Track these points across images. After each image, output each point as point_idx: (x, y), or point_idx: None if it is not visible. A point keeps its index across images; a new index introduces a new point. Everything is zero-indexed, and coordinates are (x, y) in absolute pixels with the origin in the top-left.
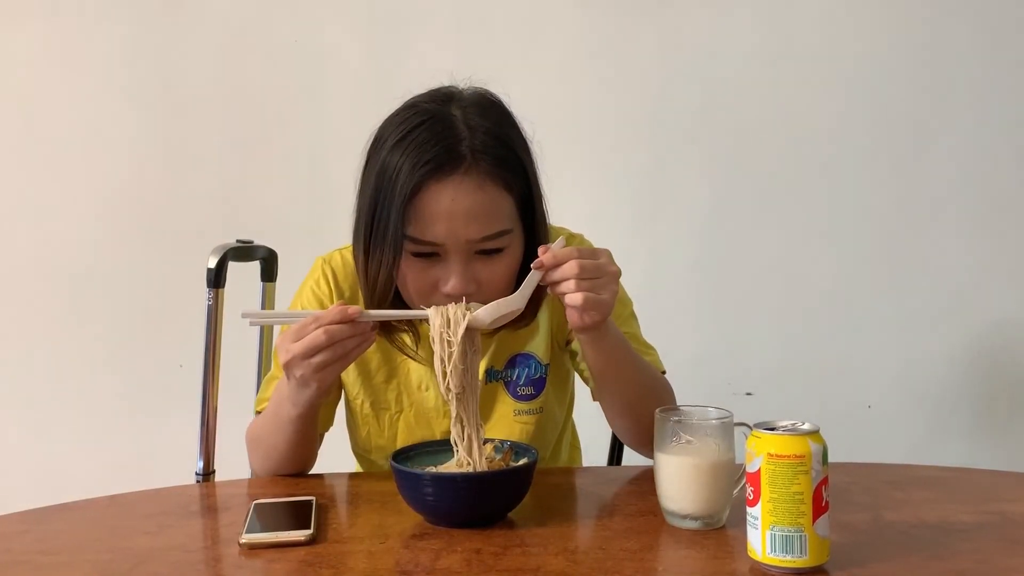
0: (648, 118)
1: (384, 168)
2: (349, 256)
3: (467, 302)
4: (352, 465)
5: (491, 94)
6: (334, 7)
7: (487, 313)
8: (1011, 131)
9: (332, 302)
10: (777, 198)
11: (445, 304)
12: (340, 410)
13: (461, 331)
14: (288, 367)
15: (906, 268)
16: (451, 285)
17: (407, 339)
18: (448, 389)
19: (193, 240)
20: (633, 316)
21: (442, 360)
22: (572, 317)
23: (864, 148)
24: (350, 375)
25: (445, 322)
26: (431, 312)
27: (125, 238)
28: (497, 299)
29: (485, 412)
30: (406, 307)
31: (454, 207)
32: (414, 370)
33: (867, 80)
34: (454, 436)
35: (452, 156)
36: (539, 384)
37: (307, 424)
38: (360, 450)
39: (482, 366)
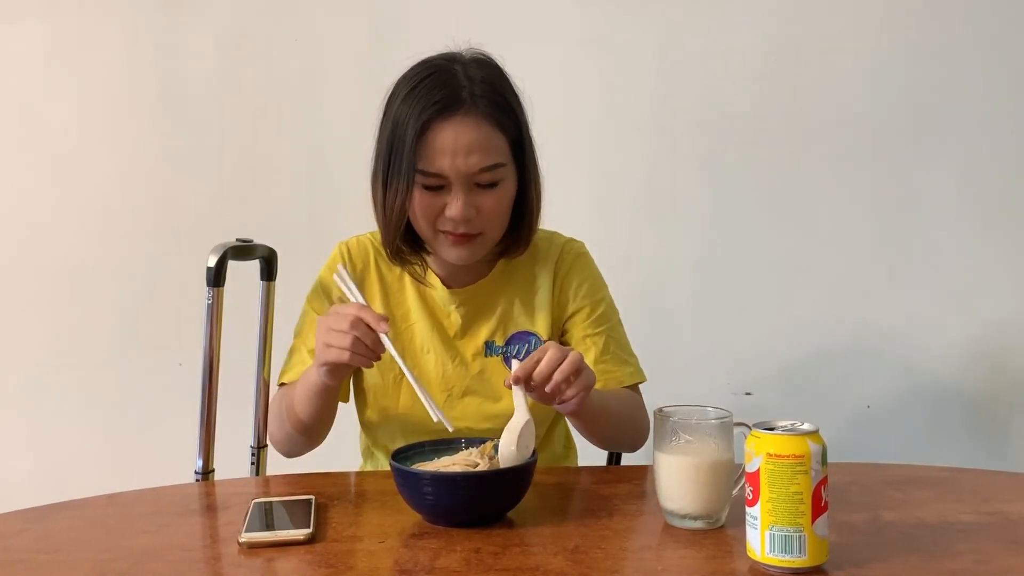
0: (648, 117)
1: (398, 114)
2: (364, 238)
3: (466, 228)
4: (354, 464)
5: (488, 55)
6: (334, 6)
7: (509, 439)
8: (1012, 131)
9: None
10: (777, 198)
11: (452, 229)
12: (342, 411)
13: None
14: (323, 327)
15: (906, 268)
16: (454, 211)
17: (418, 270)
18: None
19: (193, 239)
20: (619, 323)
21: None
22: (567, 407)
23: (864, 148)
24: None
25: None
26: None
27: (125, 236)
28: (487, 238)
29: (483, 385)
30: (416, 239)
31: (456, 143)
32: (418, 333)
33: (867, 79)
34: None
35: (454, 100)
36: None
37: (333, 394)
38: (366, 414)
39: (481, 338)
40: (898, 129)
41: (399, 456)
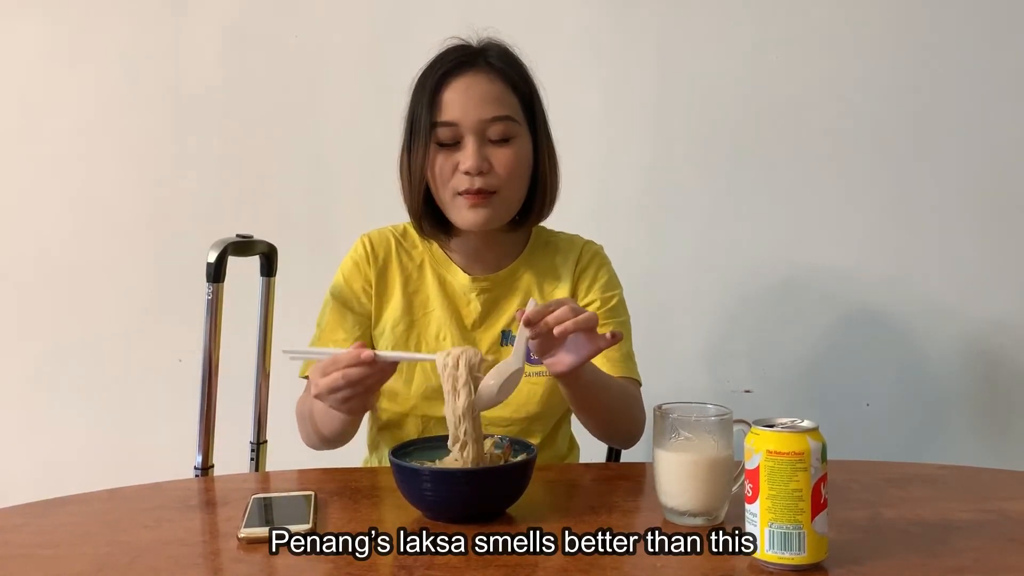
0: (649, 116)
1: (418, 84)
2: (386, 230)
3: (481, 184)
4: (357, 458)
5: (506, 42)
6: (335, 4)
7: (494, 379)
8: (1011, 131)
9: (368, 266)
10: (777, 196)
11: (467, 186)
12: None
13: (463, 375)
14: (318, 398)
15: (905, 267)
16: (467, 161)
17: (443, 242)
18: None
19: (193, 235)
20: (628, 324)
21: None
22: (557, 365)
23: (864, 147)
24: (375, 326)
25: (454, 363)
26: (438, 357)
27: (125, 232)
28: (503, 199)
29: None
30: (440, 215)
31: (468, 92)
32: (434, 321)
33: (867, 79)
34: (453, 448)
35: (470, 57)
36: None
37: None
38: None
39: (499, 328)
40: (897, 129)
41: (398, 452)
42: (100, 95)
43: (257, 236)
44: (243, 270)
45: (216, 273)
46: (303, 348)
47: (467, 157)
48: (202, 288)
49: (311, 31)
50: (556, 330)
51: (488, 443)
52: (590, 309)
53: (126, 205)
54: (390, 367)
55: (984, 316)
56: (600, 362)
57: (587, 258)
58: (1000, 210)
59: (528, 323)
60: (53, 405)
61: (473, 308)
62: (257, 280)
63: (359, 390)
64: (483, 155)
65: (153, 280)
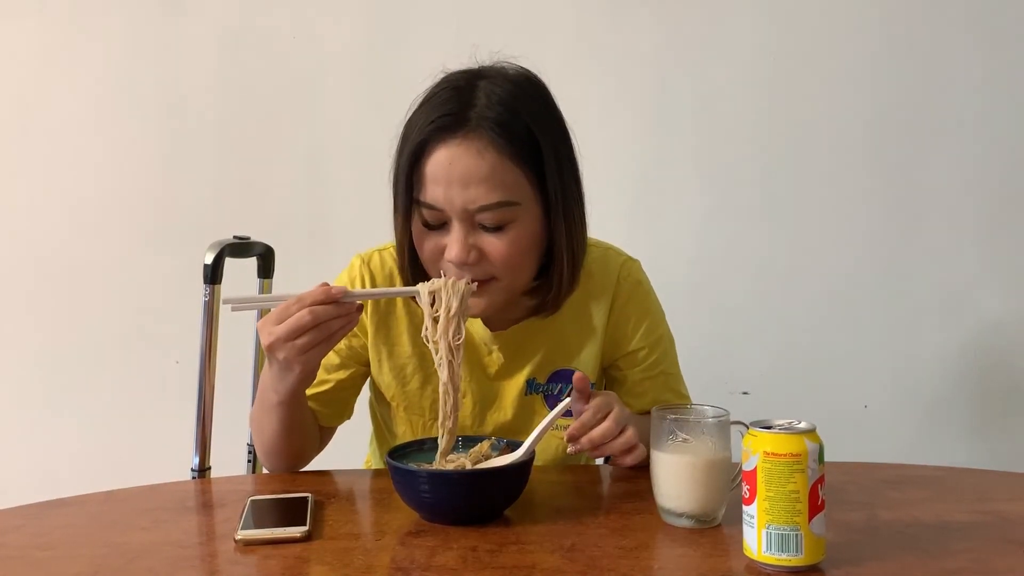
0: (646, 117)
1: (405, 130)
2: (387, 255)
3: (470, 278)
4: (356, 463)
5: (531, 73)
6: (333, 4)
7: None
8: (1009, 132)
9: (363, 309)
10: (775, 198)
11: (454, 275)
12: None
13: (455, 305)
14: (271, 350)
15: (903, 268)
16: (450, 253)
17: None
18: (436, 352)
19: (190, 236)
20: (674, 354)
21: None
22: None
23: (862, 148)
24: (385, 378)
25: (445, 296)
26: (420, 288)
27: (122, 234)
28: (503, 287)
29: (522, 423)
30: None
31: (451, 170)
32: None
33: (867, 80)
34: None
35: (456, 120)
36: None
37: (292, 411)
38: (390, 436)
39: (523, 376)
40: (896, 130)
41: (395, 454)
42: (97, 97)
43: (254, 238)
44: (240, 272)
45: (213, 274)
46: (249, 295)
47: (451, 248)
48: (199, 289)
49: (309, 32)
50: (595, 453)
51: (485, 444)
52: (635, 359)
53: (123, 207)
54: (355, 314)
55: (981, 318)
56: (649, 388)
57: (627, 291)
58: (997, 213)
59: (570, 439)
60: (50, 406)
61: (495, 358)
62: (254, 281)
63: (324, 333)
64: (471, 245)
65: (150, 281)
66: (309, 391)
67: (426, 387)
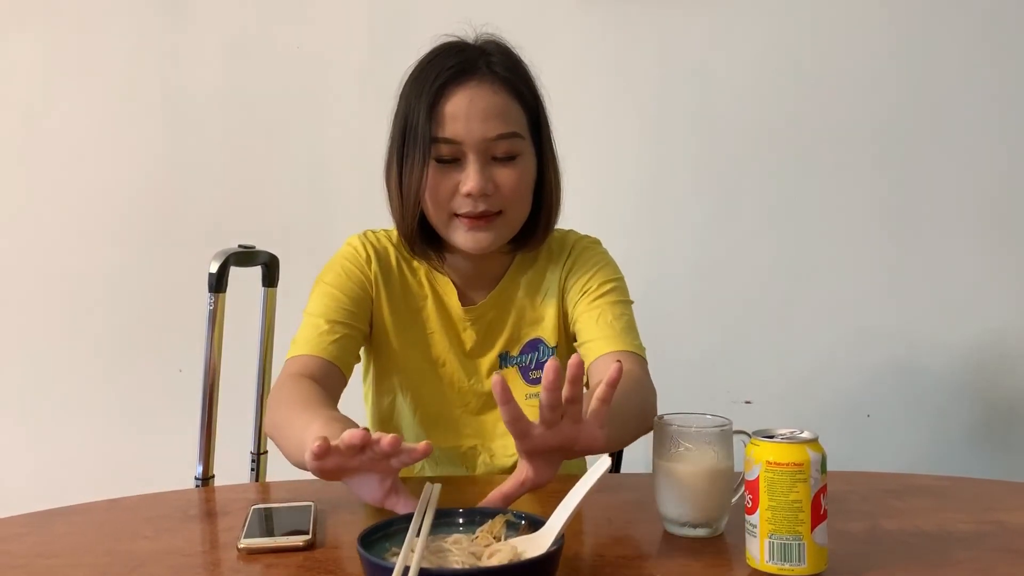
0: (648, 120)
1: (411, 91)
2: (380, 235)
3: (484, 207)
4: None
5: (503, 39)
6: (337, 13)
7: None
8: (1013, 137)
9: (369, 267)
10: (777, 203)
11: (469, 209)
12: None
13: None
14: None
15: (906, 276)
16: (470, 183)
17: (436, 263)
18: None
19: (195, 245)
20: (629, 305)
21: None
22: (595, 444)
23: (865, 153)
24: (375, 326)
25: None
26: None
27: (127, 242)
28: (507, 221)
29: None
30: (432, 231)
31: (472, 107)
32: (435, 344)
33: (868, 83)
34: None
35: (470, 65)
36: None
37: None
38: (386, 398)
39: (496, 352)
40: (899, 135)
41: (368, 539)
42: (102, 104)
43: (259, 246)
44: (245, 280)
45: (218, 283)
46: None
47: (470, 179)
48: (204, 298)
49: (314, 40)
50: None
51: (499, 521)
52: (584, 297)
53: (128, 215)
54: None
55: (984, 327)
56: (599, 337)
57: (576, 253)
58: (1000, 220)
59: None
60: (54, 414)
61: (469, 335)
62: (259, 290)
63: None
64: (487, 176)
65: (154, 290)
66: (330, 344)
67: (415, 348)
